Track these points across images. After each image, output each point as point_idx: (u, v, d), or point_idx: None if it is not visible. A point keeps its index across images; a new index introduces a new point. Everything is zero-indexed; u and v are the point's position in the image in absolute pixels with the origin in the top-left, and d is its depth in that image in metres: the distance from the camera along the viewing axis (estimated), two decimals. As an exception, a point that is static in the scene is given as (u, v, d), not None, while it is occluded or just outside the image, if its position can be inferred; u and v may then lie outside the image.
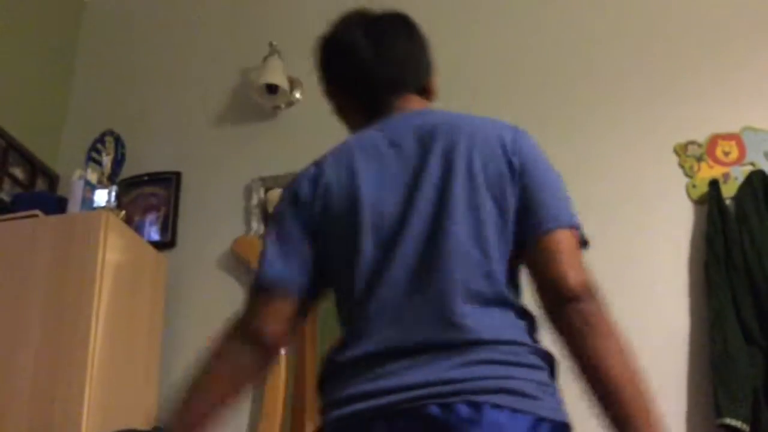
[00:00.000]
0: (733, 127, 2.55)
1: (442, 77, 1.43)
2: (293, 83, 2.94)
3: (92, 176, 2.66)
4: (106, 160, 2.85)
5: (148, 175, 2.98)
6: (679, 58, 2.69)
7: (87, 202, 2.59)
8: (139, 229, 2.85)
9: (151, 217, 2.92)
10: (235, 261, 2.77)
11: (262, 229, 2.78)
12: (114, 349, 2.37)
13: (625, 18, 2.79)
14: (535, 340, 1.14)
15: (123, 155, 2.93)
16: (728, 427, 2.07)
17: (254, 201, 2.83)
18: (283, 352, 2.54)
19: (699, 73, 2.65)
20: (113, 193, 2.69)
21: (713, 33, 2.68)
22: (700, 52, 2.68)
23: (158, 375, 2.61)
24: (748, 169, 2.45)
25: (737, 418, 2.05)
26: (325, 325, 2.67)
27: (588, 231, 2.58)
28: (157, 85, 3.19)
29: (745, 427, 2.05)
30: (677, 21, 2.74)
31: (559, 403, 1.10)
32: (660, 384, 2.28)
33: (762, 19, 2.66)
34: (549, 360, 1.13)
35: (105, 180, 2.75)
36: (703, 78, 2.64)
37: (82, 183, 2.60)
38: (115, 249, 2.46)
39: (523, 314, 1.15)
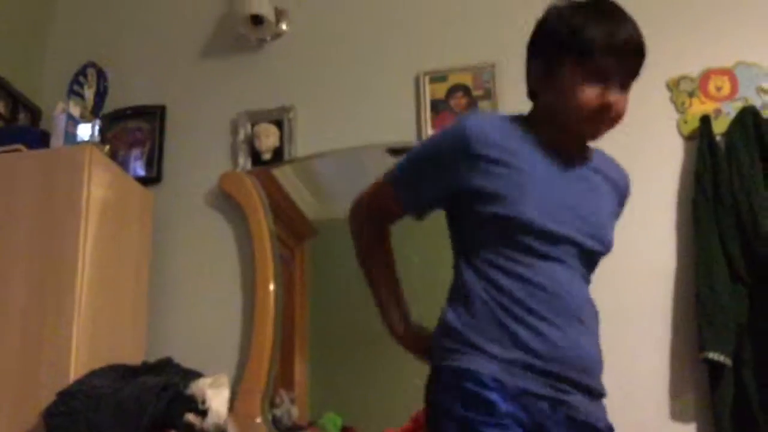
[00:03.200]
0: (727, 62, 2.51)
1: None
2: (280, 14, 2.86)
3: (75, 110, 2.60)
4: (89, 93, 2.79)
5: (131, 108, 2.92)
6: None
7: (70, 137, 2.54)
8: (124, 164, 2.81)
9: (135, 152, 2.87)
10: (222, 197, 2.75)
11: (249, 164, 2.75)
12: (101, 285, 2.36)
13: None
14: None
15: (105, 88, 2.87)
16: (711, 361, 2.10)
17: (241, 136, 2.78)
18: (271, 287, 2.55)
19: (693, 6, 2.60)
20: (97, 127, 2.64)
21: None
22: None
23: (146, 311, 2.62)
24: (740, 104, 2.42)
25: (720, 352, 2.08)
26: (313, 261, 2.69)
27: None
28: (140, 16, 3.10)
29: (727, 361, 2.08)
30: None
31: None
32: (646, 318, 2.32)
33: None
34: None
35: (88, 114, 2.69)
36: (698, 11, 2.59)
37: (64, 117, 2.54)
38: (100, 184, 2.42)
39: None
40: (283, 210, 2.70)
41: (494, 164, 1.35)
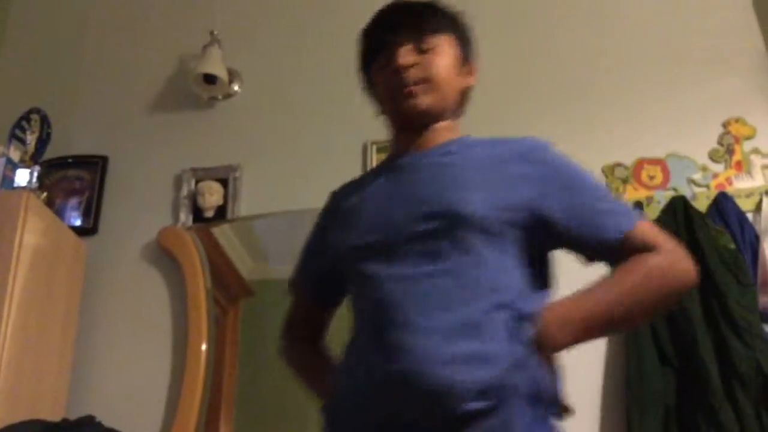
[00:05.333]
0: (659, 153, 2.63)
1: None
2: (232, 75, 2.89)
3: (14, 154, 2.56)
4: (31, 138, 2.73)
5: (73, 157, 2.88)
6: (612, 86, 2.76)
7: (7, 181, 2.49)
8: (60, 213, 2.75)
9: (73, 201, 2.82)
10: (159, 252, 2.70)
11: (190, 220, 2.72)
12: (26, 335, 2.27)
13: (567, 47, 2.85)
14: None
15: (48, 135, 2.81)
16: (639, 444, 2.12)
17: (184, 192, 2.76)
18: (203, 347, 2.50)
19: (629, 101, 2.72)
20: (35, 174, 2.59)
21: (644, 66, 2.77)
22: (631, 83, 2.75)
23: (71, 365, 2.52)
24: (671, 194, 2.53)
25: (648, 434, 2.12)
26: (245, 323, 2.65)
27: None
28: (90, 65, 3.09)
29: (655, 444, 2.11)
30: (612, 53, 2.82)
31: None
32: (576, 399, 2.34)
33: (684, 57, 2.75)
34: None
35: (28, 159, 2.64)
36: (633, 105, 2.71)
37: (3, 161, 2.50)
38: (34, 231, 2.36)
39: None
40: (219, 268, 2.67)
41: (337, 219, 1.37)
